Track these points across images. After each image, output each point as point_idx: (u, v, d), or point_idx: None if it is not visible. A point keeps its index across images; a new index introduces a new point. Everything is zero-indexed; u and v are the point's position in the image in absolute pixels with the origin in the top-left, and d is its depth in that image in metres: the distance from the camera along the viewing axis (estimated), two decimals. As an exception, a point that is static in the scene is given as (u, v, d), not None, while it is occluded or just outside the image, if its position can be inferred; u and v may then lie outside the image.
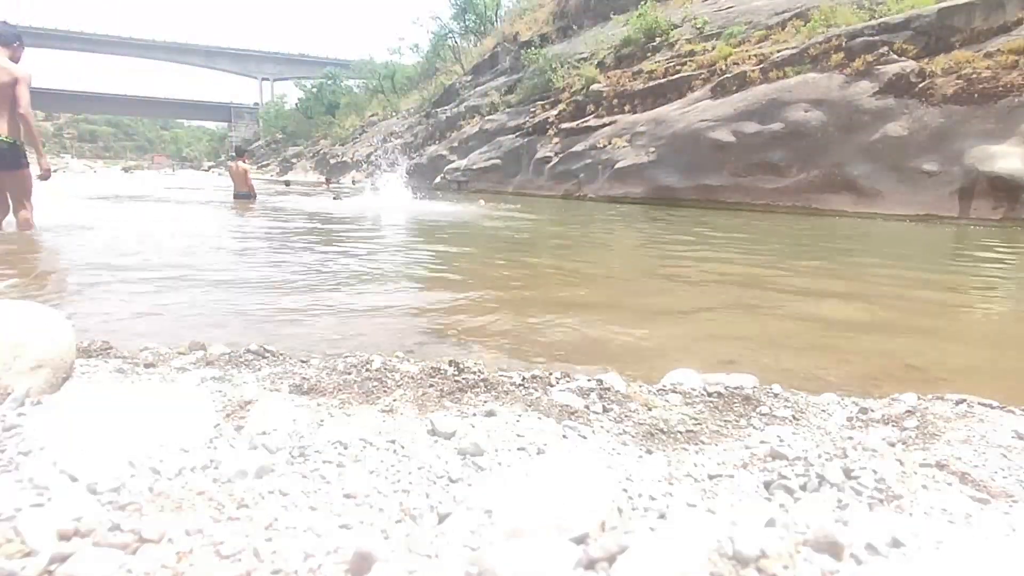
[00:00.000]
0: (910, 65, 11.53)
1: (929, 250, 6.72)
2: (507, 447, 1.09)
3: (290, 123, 56.27)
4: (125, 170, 38.23)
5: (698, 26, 17.98)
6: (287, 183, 26.10)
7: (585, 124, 17.83)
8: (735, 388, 1.50)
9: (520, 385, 1.48)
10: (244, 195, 11.12)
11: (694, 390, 1.51)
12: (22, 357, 1.21)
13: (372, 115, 42.03)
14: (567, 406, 1.33)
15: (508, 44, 27.88)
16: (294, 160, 45.64)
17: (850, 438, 1.20)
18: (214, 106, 79.06)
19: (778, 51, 14.07)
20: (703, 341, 2.44)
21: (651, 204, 13.79)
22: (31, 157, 4.71)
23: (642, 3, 19.82)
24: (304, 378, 1.46)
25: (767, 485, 0.99)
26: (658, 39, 18.71)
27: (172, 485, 0.88)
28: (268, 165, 48.64)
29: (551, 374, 1.58)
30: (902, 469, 1.04)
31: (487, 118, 23.80)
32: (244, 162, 11.65)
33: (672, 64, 17.00)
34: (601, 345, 2.31)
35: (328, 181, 25.00)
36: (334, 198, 13.61)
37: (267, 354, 1.70)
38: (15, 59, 4.55)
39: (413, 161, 27.82)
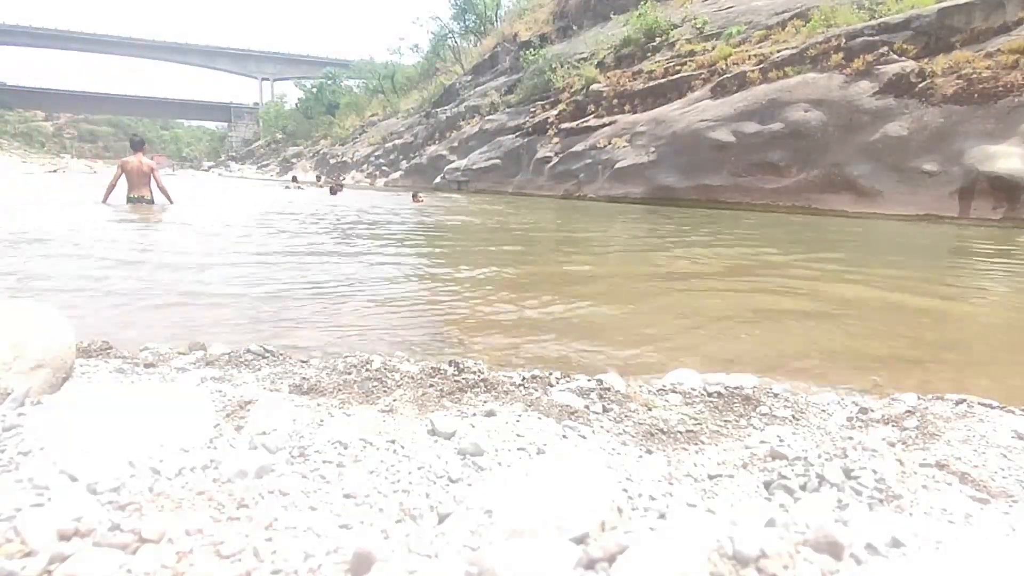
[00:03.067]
0: (910, 65, 11.52)
1: (929, 250, 6.72)
2: (507, 447, 1.09)
3: (290, 123, 56.20)
4: None
5: (698, 26, 17.97)
6: (295, 178, 26.27)
7: (585, 124, 17.82)
8: (735, 388, 1.50)
9: (520, 385, 1.48)
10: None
11: (694, 390, 1.51)
12: (22, 357, 1.21)
13: (372, 115, 41.98)
14: (567, 406, 1.33)
15: (508, 44, 27.87)
16: (294, 160, 45.59)
17: (850, 438, 1.20)
18: (214, 106, 79.08)
19: (778, 51, 14.06)
20: (703, 341, 2.44)
21: (651, 204, 13.79)
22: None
23: (642, 3, 19.81)
24: (304, 378, 1.46)
25: (767, 485, 0.99)
26: (658, 39, 18.70)
27: (172, 485, 0.88)
28: (268, 165, 48.63)
29: (551, 374, 1.59)
30: (902, 469, 1.04)
31: (487, 118, 23.79)
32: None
33: (672, 64, 16.99)
34: (601, 345, 2.31)
35: (318, 179, 24.49)
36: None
37: (267, 354, 1.70)
38: (146, 153, 8.17)
39: (412, 161, 27.80)
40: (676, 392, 1.50)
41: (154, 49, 70.57)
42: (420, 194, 13.67)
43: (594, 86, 18.74)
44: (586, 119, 18.09)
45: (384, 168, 31.04)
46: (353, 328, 2.48)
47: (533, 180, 18.67)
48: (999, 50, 10.67)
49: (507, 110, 23.13)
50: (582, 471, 0.98)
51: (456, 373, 1.53)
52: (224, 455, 0.99)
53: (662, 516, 0.86)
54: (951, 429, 1.24)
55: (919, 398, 1.49)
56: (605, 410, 1.33)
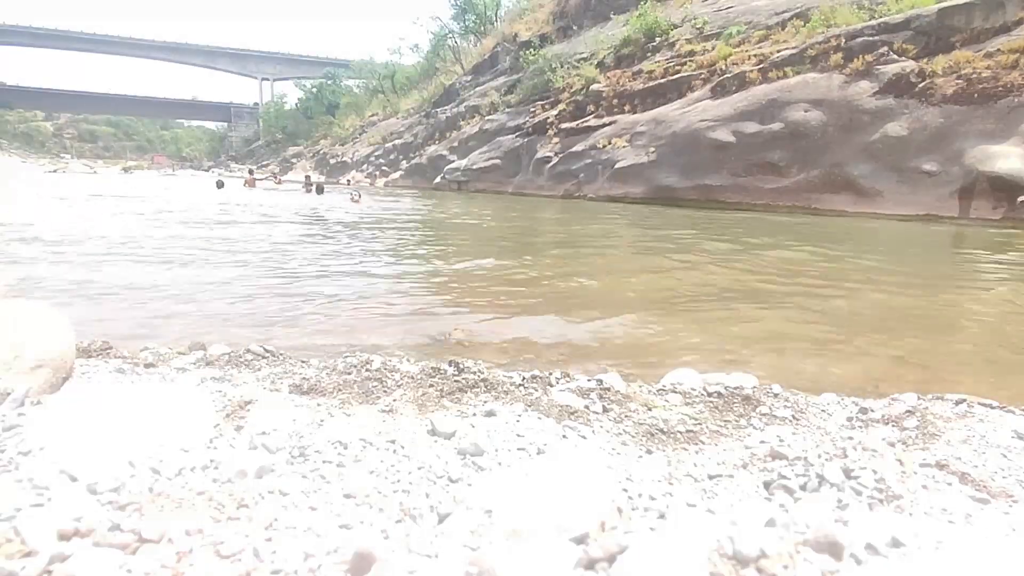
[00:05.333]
0: (910, 65, 11.52)
1: (929, 250, 6.71)
2: (507, 447, 1.09)
3: (290, 123, 56.17)
4: (125, 170, 38.18)
5: (698, 26, 17.97)
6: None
7: (585, 124, 17.81)
8: (735, 388, 1.50)
9: (520, 385, 1.48)
10: None
11: (694, 390, 1.50)
12: (22, 357, 1.21)
13: (372, 115, 41.93)
14: (567, 406, 1.33)
15: (508, 44, 27.85)
16: (294, 160, 45.57)
17: (850, 438, 1.20)
18: (214, 106, 78.98)
19: (778, 51, 14.06)
20: (703, 341, 2.44)
21: (651, 204, 13.79)
22: None
23: (642, 3, 19.80)
24: (304, 378, 1.46)
25: (767, 485, 0.99)
26: (658, 39, 18.69)
27: (172, 485, 0.88)
28: (268, 165, 48.62)
29: (551, 374, 1.58)
30: (902, 469, 1.04)
31: (487, 118, 23.79)
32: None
33: (672, 64, 16.99)
34: (601, 345, 2.31)
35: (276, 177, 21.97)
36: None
37: (267, 354, 1.70)
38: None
39: (412, 161, 27.76)
40: (676, 392, 1.49)
41: (154, 49, 70.41)
42: (356, 195, 13.35)
43: (594, 86, 18.73)
44: (586, 119, 18.08)
45: (384, 168, 31.01)
46: (353, 328, 2.48)
47: (533, 180, 18.66)
48: (999, 50, 10.66)
49: (507, 110, 23.13)
50: (582, 471, 0.98)
51: (456, 373, 1.52)
52: (224, 455, 0.99)
53: (662, 516, 0.86)
54: (951, 429, 1.24)
55: (919, 398, 1.49)
56: (605, 410, 1.33)
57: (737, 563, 0.72)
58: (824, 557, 0.74)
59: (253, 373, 1.52)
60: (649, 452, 1.13)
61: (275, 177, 17.37)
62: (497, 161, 20.86)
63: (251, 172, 23.00)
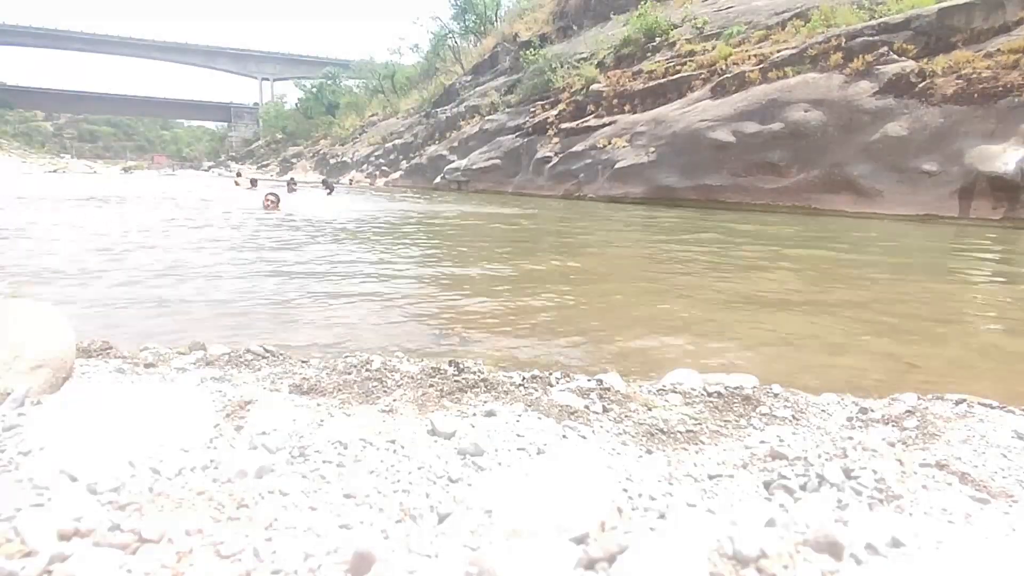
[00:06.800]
0: (910, 65, 11.52)
1: (928, 250, 6.71)
2: (507, 447, 1.09)
3: (290, 123, 56.16)
4: (125, 170, 38.23)
5: (698, 26, 17.98)
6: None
7: (585, 124, 17.81)
8: (735, 388, 1.50)
9: (520, 385, 1.48)
10: None
11: (694, 390, 1.50)
12: (22, 357, 1.21)
13: (372, 115, 41.95)
14: (567, 406, 1.33)
15: (508, 44, 27.87)
16: (294, 160, 45.58)
17: (850, 438, 1.20)
18: (214, 106, 78.96)
19: (778, 51, 14.06)
20: (703, 341, 2.44)
21: (651, 204, 13.79)
22: None
23: (642, 3, 19.81)
24: (304, 378, 1.46)
25: (767, 485, 0.99)
26: (658, 39, 18.70)
27: (172, 485, 0.88)
28: (268, 165, 48.63)
29: (551, 374, 1.58)
30: (902, 469, 1.04)
31: (487, 118, 23.79)
32: None
33: (672, 64, 16.99)
34: (601, 345, 2.31)
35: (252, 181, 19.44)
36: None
37: (267, 354, 1.70)
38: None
39: (412, 161, 27.77)
40: (676, 392, 1.49)
41: (154, 49, 70.39)
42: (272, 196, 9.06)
43: (594, 86, 18.74)
44: (586, 119, 18.09)
45: (384, 168, 31.02)
46: (353, 328, 2.48)
47: (533, 180, 18.66)
48: (999, 50, 10.66)
49: (507, 110, 23.14)
50: (582, 471, 0.98)
51: (456, 373, 1.53)
52: (224, 455, 0.99)
53: (662, 516, 0.86)
54: (951, 429, 1.24)
55: (919, 398, 1.48)
56: (605, 410, 1.33)
57: (737, 563, 0.72)
58: (824, 557, 0.74)
59: (253, 373, 1.52)
60: (649, 452, 1.13)
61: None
62: (497, 161, 20.87)
63: (239, 175, 22.50)
